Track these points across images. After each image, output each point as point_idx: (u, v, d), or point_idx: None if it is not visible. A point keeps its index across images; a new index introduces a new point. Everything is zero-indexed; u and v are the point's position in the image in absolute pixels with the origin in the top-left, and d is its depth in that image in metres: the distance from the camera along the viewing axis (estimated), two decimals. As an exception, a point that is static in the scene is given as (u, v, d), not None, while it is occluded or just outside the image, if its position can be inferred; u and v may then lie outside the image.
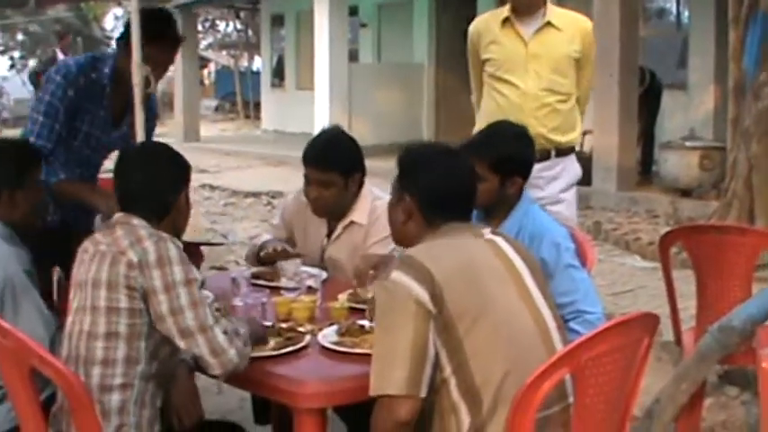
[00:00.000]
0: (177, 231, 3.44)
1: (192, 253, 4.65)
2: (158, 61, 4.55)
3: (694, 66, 15.03)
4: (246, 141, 23.07)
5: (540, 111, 5.23)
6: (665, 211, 11.63)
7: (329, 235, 4.70)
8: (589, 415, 2.90)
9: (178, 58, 16.58)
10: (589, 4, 13.48)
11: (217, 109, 35.99)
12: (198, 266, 4.47)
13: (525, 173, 4.10)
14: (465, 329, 2.84)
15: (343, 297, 4.01)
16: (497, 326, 2.89)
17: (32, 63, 34.45)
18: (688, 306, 5.14)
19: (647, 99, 13.72)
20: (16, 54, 42.02)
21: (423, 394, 2.84)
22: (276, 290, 4.22)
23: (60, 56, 15.79)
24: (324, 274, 4.43)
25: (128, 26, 4.51)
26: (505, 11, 5.34)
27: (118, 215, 3.35)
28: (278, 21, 25.26)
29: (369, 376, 3.00)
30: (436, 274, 2.86)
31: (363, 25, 22.01)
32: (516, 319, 2.97)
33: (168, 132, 24.07)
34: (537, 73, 5.25)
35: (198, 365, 3.22)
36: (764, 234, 5.31)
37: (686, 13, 15.97)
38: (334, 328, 3.59)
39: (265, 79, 25.88)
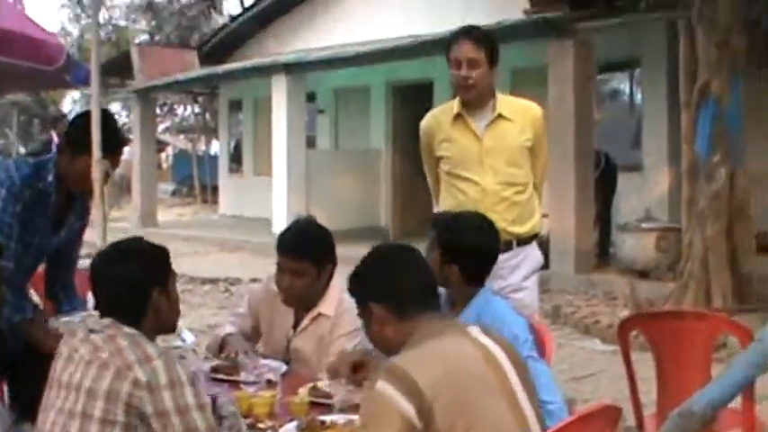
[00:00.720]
0: (163, 329, 3.40)
1: None
2: (113, 165, 4.55)
3: (648, 148, 15.22)
4: (204, 226, 23.00)
5: (500, 205, 5.20)
6: (622, 293, 11.66)
7: (296, 325, 4.68)
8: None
9: (136, 142, 16.61)
10: (543, 87, 13.67)
11: (174, 193, 35.89)
12: None
13: (463, 264, 4.19)
14: None
15: (303, 391, 3.96)
16: None
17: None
18: (650, 389, 5.14)
19: (602, 181, 13.88)
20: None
21: None
22: (236, 384, 4.19)
23: (56, 139, 15.60)
24: (284, 368, 4.41)
25: (73, 130, 4.51)
26: (455, 106, 5.34)
27: (105, 321, 3.31)
28: (236, 106, 25.36)
29: None
30: (425, 389, 2.80)
31: (321, 111, 22.13)
32: (501, 420, 2.91)
33: (125, 217, 24.01)
34: (493, 168, 5.25)
35: None
36: (721, 318, 5.35)
37: (639, 96, 16.19)
38: (295, 423, 3.56)
39: (223, 164, 25.89)
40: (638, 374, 5.09)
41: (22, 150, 33.69)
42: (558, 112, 13.25)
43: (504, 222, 5.13)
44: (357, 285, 3.30)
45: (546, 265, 12.65)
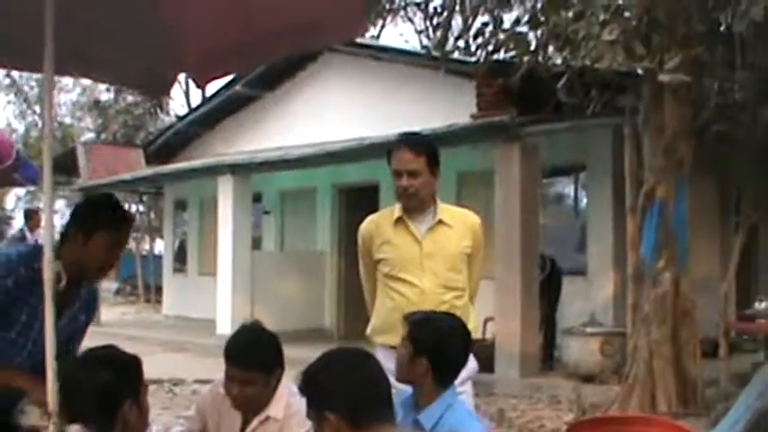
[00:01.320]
0: None
1: None
2: (123, 242, 4.52)
3: (593, 252, 15.33)
4: (148, 326, 22.78)
5: (439, 308, 5.12)
6: (567, 397, 11.67)
7: (243, 428, 4.61)
8: None
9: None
10: (489, 191, 13.81)
11: (118, 292, 35.62)
12: None
13: (433, 360, 4.15)
14: None
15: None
16: None
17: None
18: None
19: (548, 285, 13.98)
20: None
21: None
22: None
23: (28, 235, 15.35)
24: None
25: (80, 213, 4.46)
26: (396, 210, 5.41)
27: (75, 427, 3.27)
28: (181, 205, 25.33)
29: None
30: None
31: (267, 212, 22.15)
32: None
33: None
34: (433, 271, 5.30)
35: None
36: (668, 424, 5.34)
37: (584, 201, 16.37)
38: None
39: (167, 263, 25.74)
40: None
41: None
42: (504, 215, 13.38)
43: None
44: (310, 391, 3.24)
45: (491, 369, 12.78)
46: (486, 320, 13.43)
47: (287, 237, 21.88)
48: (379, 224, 5.48)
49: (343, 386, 3.15)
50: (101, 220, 4.37)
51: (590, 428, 5.28)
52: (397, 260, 5.33)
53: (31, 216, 16.22)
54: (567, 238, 16.48)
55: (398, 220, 5.38)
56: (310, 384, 3.24)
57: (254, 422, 4.56)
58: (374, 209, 5.84)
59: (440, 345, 4.17)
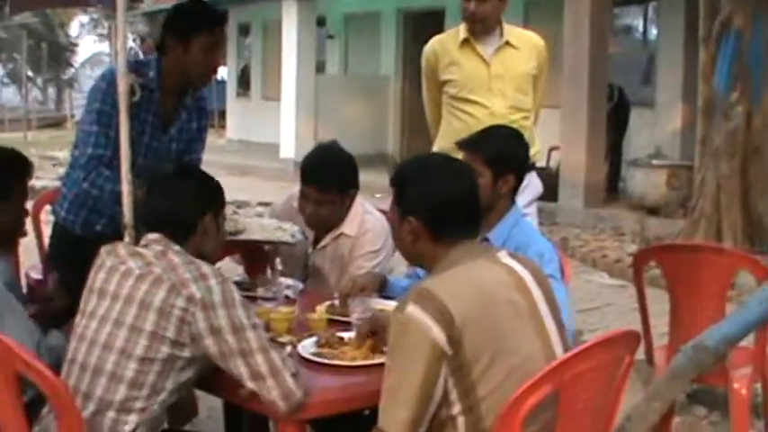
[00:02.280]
0: (204, 256, 3.34)
1: (256, 253, 4.69)
2: (221, 42, 4.49)
3: (662, 84, 15.12)
4: (211, 151, 22.61)
5: None
6: (631, 229, 11.65)
7: (315, 243, 4.65)
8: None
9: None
10: (559, 20, 13.53)
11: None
12: (265, 270, 4.60)
13: (518, 172, 4.11)
14: (479, 372, 2.74)
15: (321, 308, 3.95)
16: (512, 369, 2.79)
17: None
18: (656, 324, 5.13)
19: (615, 116, 13.79)
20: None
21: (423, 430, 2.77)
22: (253, 299, 4.17)
23: (142, 56, 15.30)
24: (300, 286, 4.40)
25: (176, 21, 4.43)
26: (462, 31, 5.41)
27: (154, 236, 3.30)
28: (244, 30, 25.20)
29: (350, 388, 3.06)
30: (456, 316, 2.72)
31: (330, 37, 21.98)
32: (531, 361, 2.84)
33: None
34: (501, 92, 5.36)
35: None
36: (739, 255, 5.30)
37: (654, 31, 16.04)
38: (314, 339, 3.54)
39: (230, 88, 25.76)
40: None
41: (31, 74, 33.58)
42: (573, 43, 13.14)
43: None
44: (400, 188, 3.12)
45: (554, 198, 12.73)
46: (551, 149, 13.34)
47: (350, 61, 21.75)
48: (444, 44, 5.50)
49: (433, 195, 3.03)
50: (195, 23, 4.34)
51: (658, 255, 5.25)
52: (465, 81, 5.38)
53: (143, 41, 16.09)
54: (636, 69, 16.23)
55: (465, 42, 5.41)
56: (401, 182, 3.13)
57: (327, 238, 4.59)
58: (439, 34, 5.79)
59: (496, 155, 4.02)
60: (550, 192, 11.91)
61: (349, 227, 4.55)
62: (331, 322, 3.84)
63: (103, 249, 3.35)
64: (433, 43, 5.57)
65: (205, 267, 3.16)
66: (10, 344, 3.00)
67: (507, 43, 5.40)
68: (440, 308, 2.72)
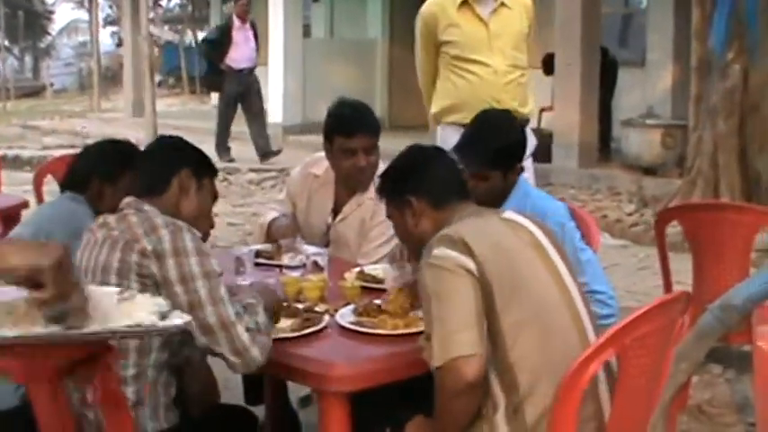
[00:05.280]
0: (185, 217, 3.25)
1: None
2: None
3: (652, 43, 15.02)
4: (197, 117, 22.69)
5: (509, 86, 5.54)
6: (627, 189, 11.63)
7: (335, 210, 4.60)
8: (632, 394, 2.88)
9: (126, 32, 16.29)
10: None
11: (160, 84, 35.61)
12: None
13: (520, 155, 4.15)
14: (502, 304, 2.84)
15: (351, 276, 3.90)
16: (529, 301, 2.90)
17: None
18: (675, 286, 5.11)
19: (602, 76, 13.70)
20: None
21: (484, 353, 2.82)
22: (278, 268, 4.11)
23: (237, 22, 14.86)
24: (325, 252, 4.33)
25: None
26: None
27: (127, 200, 3.26)
28: (228, -5, 24.99)
29: (394, 357, 3.07)
30: (475, 249, 2.86)
31: (316, 0, 21.82)
32: (545, 291, 2.97)
33: (115, 107, 23.77)
34: (501, 50, 5.55)
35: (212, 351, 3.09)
36: (762, 212, 5.27)
37: (644, -10, 15.97)
38: (351, 307, 3.50)
39: (215, 53, 25.51)
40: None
41: (7, 44, 33.14)
42: (566, 4, 13.04)
43: (515, 102, 5.49)
44: (393, 180, 3.32)
45: (547, 159, 12.68)
46: (542, 110, 13.31)
47: (336, 25, 21.60)
48: (443, 6, 5.61)
49: (426, 170, 3.24)
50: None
51: (680, 215, 5.25)
52: (466, 41, 5.56)
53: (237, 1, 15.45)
54: (625, 28, 16.17)
55: (463, 4, 5.55)
56: (394, 172, 3.33)
57: (353, 203, 4.57)
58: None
59: (500, 155, 4.00)
60: (544, 153, 11.87)
61: (372, 191, 4.49)
62: (364, 289, 3.78)
63: (85, 229, 3.31)
64: (431, 5, 5.68)
65: (158, 219, 3.10)
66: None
67: (502, 4, 5.59)
68: (461, 243, 2.88)
